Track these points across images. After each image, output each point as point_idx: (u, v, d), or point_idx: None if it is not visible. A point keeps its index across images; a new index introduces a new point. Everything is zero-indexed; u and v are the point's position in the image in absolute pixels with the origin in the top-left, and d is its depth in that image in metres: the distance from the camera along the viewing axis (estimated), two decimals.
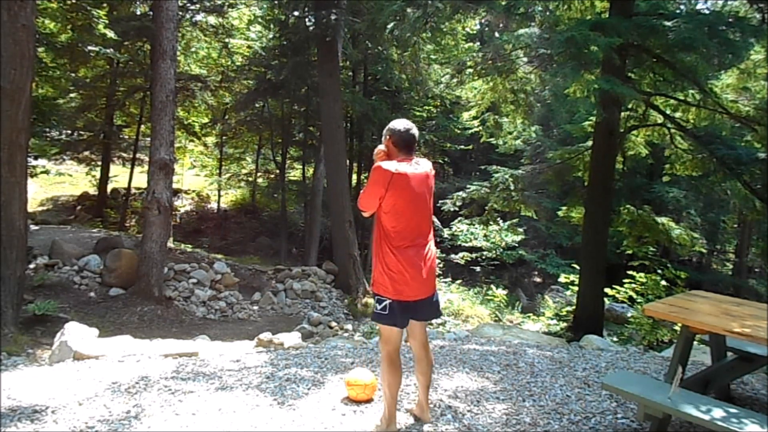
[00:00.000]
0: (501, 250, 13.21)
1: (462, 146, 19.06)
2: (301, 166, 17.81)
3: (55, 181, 16.52)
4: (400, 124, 2.68)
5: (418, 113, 16.96)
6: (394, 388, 2.70)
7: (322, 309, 9.88)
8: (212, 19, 12.52)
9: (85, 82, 12.92)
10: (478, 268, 13.66)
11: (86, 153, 14.48)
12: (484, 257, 13.16)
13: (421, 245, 2.65)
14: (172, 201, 9.14)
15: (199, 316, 8.51)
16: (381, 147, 2.73)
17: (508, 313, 10.24)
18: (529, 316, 9.53)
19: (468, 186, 9.65)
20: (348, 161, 15.38)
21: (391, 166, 2.55)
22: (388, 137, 2.68)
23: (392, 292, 2.59)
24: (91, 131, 14.14)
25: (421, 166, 2.66)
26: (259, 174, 18.57)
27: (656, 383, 2.82)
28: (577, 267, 7.68)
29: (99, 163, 14.78)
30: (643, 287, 7.15)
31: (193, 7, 12.11)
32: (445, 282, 11.11)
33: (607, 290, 7.36)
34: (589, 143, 8.12)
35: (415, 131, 2.67)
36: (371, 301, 5.50)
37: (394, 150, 2.65)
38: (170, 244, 10.34)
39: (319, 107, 12.80)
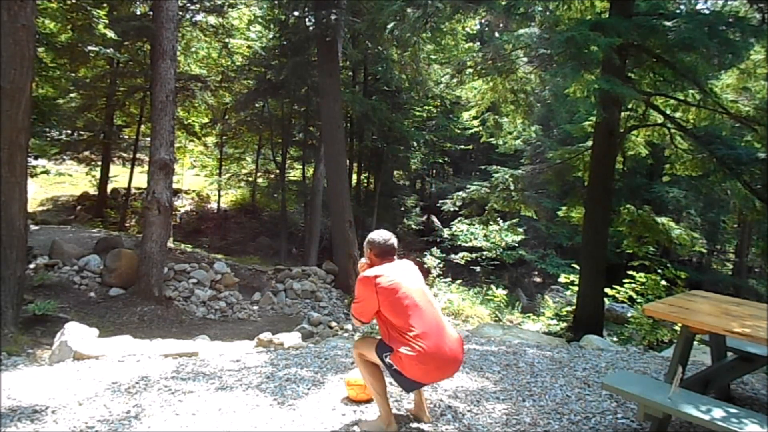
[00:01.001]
0: (501, 250, 13.21)
1: (462, 146, 19.07)
2: (301, 166, 17.81)
3: (55, 181, 16.52)
4: (378, 236, 2.79)
5: (418, 113, 16.98)
6: (380, 386, 2.72)
7: (322, 309, 9.88)
8: (212, 19, 12.52)
9: (85, 82, 12.92)
10: (478, 268, 13.66)
11: (86, 153, 14.48)
12: (484, 257, 13.16)
13: (438, 334, 2.57)
14: (172, 201, 9.14)
15: (199, 316, 8.51)
16: (363, 260, 2.83)
17: (508, 313, 10.24)
18: (529, 316, 9.53)
19: (468, 186, 9.66)
20: (348, 161, 15.38)
21: (372, 271, 2.66)
22: (369, 250, 2.78)
23: (409, 374, 2.54)
24: (91, 131, 14.14)
25: (402, 262, 2.78)
26: (259, 174, 18.57)
27: (656, 383, 2.82)
28: (577, 267, 7.69)
29: (99, 163, 14.78)
30: (643, 287, 7.15)
31: (193, 7, 12.11)
32: (445, 282, 11.11)
33: (607, 290, 7.37)
34: (589, 143, 8.13)
35: (393, 241, 2.79)
36: None
37: (377, 261, 2.76)
38: (170, 244, 10.34)
39: (319, 107, 12.81)
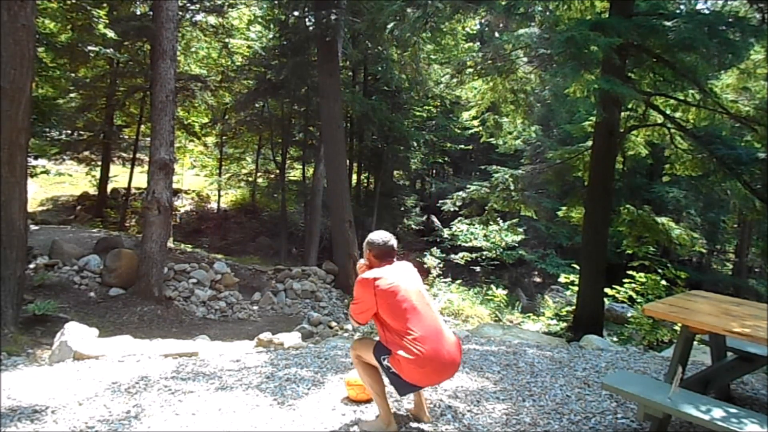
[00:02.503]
0: (501, 250, 13.21)
1: (462, 146, 19.07)
2: (301, 166, 17.81)
3: (55, 181, 16.52)
4: (378, 236, 2.78)
5: (418, 113, 16.98)
6: (378, 386, 2.72)
7: (322, 309, 9.88)
8: (212, 19, 12.52)
9: (85, 82, 12.92)
10: (478, 268, 13.67)
11: (86, 153, 14.48)
12: (484, 257, 13.16)
13: (435, 337, 2.57)
14: (172, 201, 9.14)
15: (199, 316, 8.51)
16: (362, 261, 2.82)
17: (508, 313, 10.24)
18: (529, 316, 9.53)
19: (468, 186, 9.65)
20: (348, 161, 15.39)
21: (371, 273, 2.65)
22: (368, 251, 2.77)
23: (406, 377, 2.54)
24: (91, 131, 14.13)
25: (401, 264, 2.77)
26: (259, 174, 18.58)
27: (656, 383, 2.82)
28: (577, 267, 7.68)
29: (99, 163, 14.78)
30: (643, 287, 7.15)
31: (193, 7, 12.11)
32: (445, 282, 11.11)
33: (607, 290, 7.36)
34: (589, 143, 8.12)
35: (393, 242, 2.78)
36: None
37: (376, 262, 2.75)
38: (170, 244, 10.34)
39: (319, 107, 12.81)
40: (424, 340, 2.50)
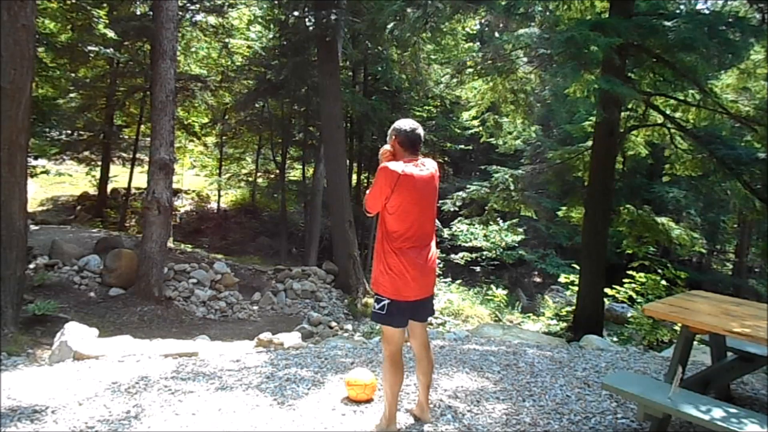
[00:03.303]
0: (501, 250, 13.20)
1: (462, 146, 19.06)
2: (301, 166, 17.81)
3: (55, 181, 16.51)
4: (405, 123, 2.67)
5: (418, 113, 16.95)
6: (396, 387, 2.70)
7: (322, 309, 9.88)
8: (212, 19, 12.52)
9: (85, 82, 12.93)
10: (478, 268, 13.66)
11: (86, 153, 14.47)
12: (484, 257, 13.16)
13: (423, 246, 2.65)
14: (172, 201, 9.14)
15: (199, 316, 8.51)
16: (387, 147, 2.70)
17: (508, 313, 10.24)
18: (529, 316, 9.53)
19: (468, 186, 9.65)
20: (348, 161, 15.38)
21: (398, 167, 2.53)
22: (393, 137, 2.65)
23: (392, 292, 2.60)
24: (91, 131, 14.14)
25: (426, 167, 2.65)
26: (259, 174, 18.58)
27: (656, 383, 2.82)
28: (577, 267, 7.68)
29: (99, 163, 14.78)
30: (643, 287, 7.14)
31: (193, 7, 12.11)
32: (445, 282, 11.10)
33: (607, 290, 7.36)
34: (589, 143, 8.12)
35: (420, 131, 2.66)
36: (371, 301, 5.50)
37: (400, 150, 2.63)
38: (170, 244, 10.34)
39: (319, 107, 12.80)
40: (412, 240, 2.58)
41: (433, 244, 2.73)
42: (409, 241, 2.59)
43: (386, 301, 2.61)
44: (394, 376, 2.68)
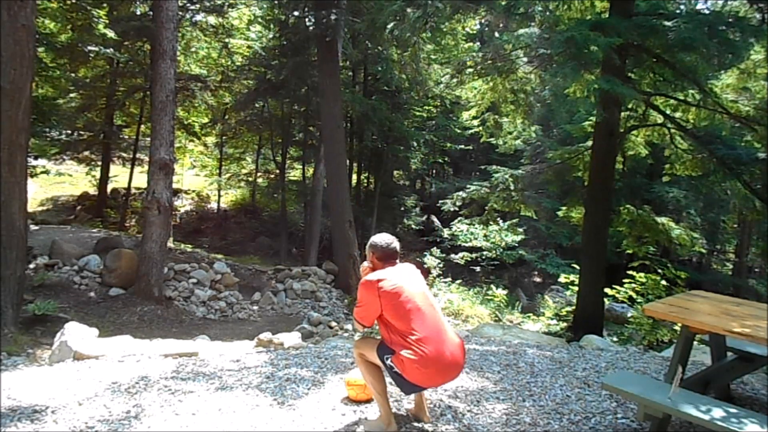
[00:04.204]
0: (501, 250, 13.20)
1: (462, 146, 19.08)
2: (301, 166, 17.81)
3: (55, 181, 16.51)
4: (381, 239, 2.78)
5: (418, 113, 16.97)
6: (380, 386, 2.71)
7: (322, 309, 9.87)
8: (212, 19, 12.52)
9: (85, 82, 12.92)
10: (478, 268, 13.66)
11: (86, 153, 14.47)
12: (484, 257, 13.16)
13: (443, 338, 2.58)
14: (172, 201, 9.14)
15: (199, 316, 8.51)
16: (366, 264, 2.82)
17: (508, 313, 10.24)
18: (529, 316, 9.53)
19: (468, 186, 9.65)
20: (348, 161, 15.38)
21: (374, 275, 2.65)
22: (371, 254, 2.78)
23: (408, 376, 2.54)
24: (91, 131, 14.12)
25: (405, 266, 2.78)
26: (259, 174, 18.58)
27: (656, 383, 2.82)
28: (577, 267, 7.68)
29: (99, 163, 14.77)
30: (643, 287, 7.15)
31: (193, 7, 12.11)
32: (445, 282, 11.10)
33: (607, 290, 7.36)
34: (589, 143, 8.13)
35: (396, 244, 2.78)
36: None
37: (379, 264, 2.75)
38: (170, 244, 10.34)
39: (319, 107, 12.80)
40: (428, 340, 2.50)
41: (452, 333, 2.66)
42: (417, 332, 2.52)
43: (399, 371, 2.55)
44: (373, 376, 2.71)
